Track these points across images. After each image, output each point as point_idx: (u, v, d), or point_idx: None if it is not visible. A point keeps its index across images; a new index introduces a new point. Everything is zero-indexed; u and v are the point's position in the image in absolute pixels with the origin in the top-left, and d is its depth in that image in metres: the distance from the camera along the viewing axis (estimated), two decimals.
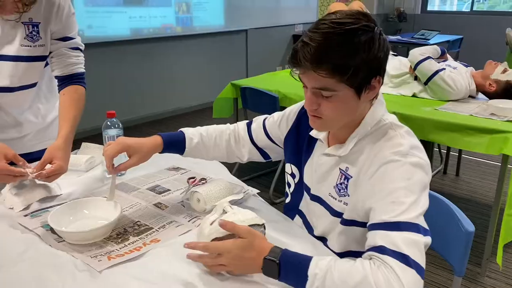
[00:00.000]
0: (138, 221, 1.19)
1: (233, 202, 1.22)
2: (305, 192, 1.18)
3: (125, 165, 1.20)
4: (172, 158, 1.59)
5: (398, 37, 5.78)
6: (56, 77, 1.47)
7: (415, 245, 0.84)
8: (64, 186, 1.38)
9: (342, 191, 1.04)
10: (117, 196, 1.32)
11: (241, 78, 3.41)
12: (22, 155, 1.43)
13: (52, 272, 0.97)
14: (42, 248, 1.06)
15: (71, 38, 1.44)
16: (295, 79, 0.99)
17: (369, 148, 0.99)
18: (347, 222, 1.04)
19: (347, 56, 0.90)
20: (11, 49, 1.34)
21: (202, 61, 5.36)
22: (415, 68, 2.58)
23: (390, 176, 0.92)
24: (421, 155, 0.95)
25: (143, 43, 4.67)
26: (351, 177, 1.02)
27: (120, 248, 1.06)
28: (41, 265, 0.99)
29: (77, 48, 1.47)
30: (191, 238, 1.11)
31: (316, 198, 1.13)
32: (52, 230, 1.11)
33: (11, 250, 1.05)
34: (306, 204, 1.19)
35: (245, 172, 3.39)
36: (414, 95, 2.66)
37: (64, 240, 1.08)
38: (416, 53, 2.57)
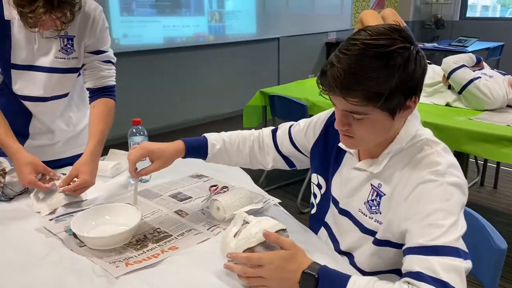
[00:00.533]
0: (158, 228, 1.20)
1: (253, 212, 1.22)
2: (332, 205, 1.14)
3: (147, 170, 1.21)
4: (196, 166, 1.62)
5: (435, 44, 5.63)
6: (87, 88, 1.51)
7: (454, 270, 0.80)
8: (89, 191, 1.41)
9: (373, 208, 1.00)
10: (139, 203, 1.33)
11: (272, 86, 3.41)
12: (52, 161, 1.49)
13: (71, 276, 0.99)
14: (64, 252, 1.09)
15: (104, 52, 1.48)
16: (324, 97, 0.94)
17: (404, 166, 0.94)
18: (380, 242, 0.99)
19: (380, 83, 0.85)
20: (46, 61, 1.39)
21: (233, 69, 5.40)
22: (448, 77, 2.50)
23: (427, 197, 0.88)
24: (459, 174, 0.90)
25: (176, 51, 4.75)
26: (384, 194, 0.97)
27: (139, 255, 1.07)
28: (62, 268, 1.02)
29: (109, 61, 1.51)
30: (208, 246, 1.11)
31: (344, 212, 1.09)
32: (74, 235, 1.13)
33: (35, 253, 1.08)
34: (333, 217, 1.14)
35: (272, 180, 3.38)
36: (447, 105, 2.58)
37: (85, 245, 1.10)
38: (450, 61, 2.49)
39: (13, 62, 1.36)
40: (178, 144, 1.24)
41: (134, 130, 1.47)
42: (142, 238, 1.15)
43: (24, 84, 1.41)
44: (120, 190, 1.44)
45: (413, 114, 0.97)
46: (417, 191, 0.89)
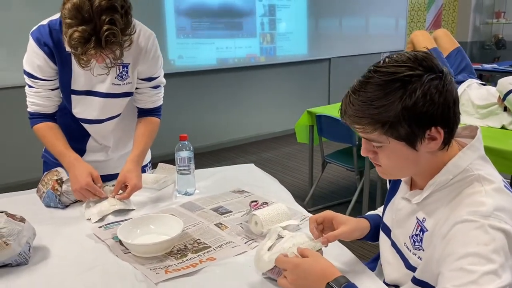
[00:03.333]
0: (198, 239, 1.25)
1: (290, 228, 1.24)
2: (382, 232, 1.11)
3: (334, 234, 1.07)
4: (237, 182, 1.66)
5: (494, 65, 5.40)
6: (137, 107, 1.63)
7: None
8: (136, 202, 1.49)
9: (416, 243, 0.94)
10: (183, 214, 1.40)
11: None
12: (106, 175, 1.60)
13: (115, 280, 1.05)
14: (110, 258, 1.15)
15: (154, 78, 1.58)
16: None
17: (450, 201, 0.88)
18: (418, 283, 0.93)
19: (382, 111, 0.84)
20: (103, 87, 1.50)
21: (284, 89, 5.47)
22: (504, 99, 2.40)
23: (463, 238, 0.80)
24: (509, 221, 0.80)
25: (228, 72, 4.90)
26: (427, 230, 0.91)
27: (178, 263, 1.12)
28: (107, 273, 1.08)
29: (158, 86, 1.62)
30: (245, 259, 1.14)
31: (393, 244, 1.04)
32: (120, 242, 1.20)
33: (84, 258, 1.16)
34: (383, 247, 1.09)
35: (319, 201, 3.36)
36: (503, 127, 2.47)
37: (129, 252, 1.17)
38: (506, 82, 2.39)
39: (73, 88, 1.48)
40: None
41: (180, 145, 1.54)
42: (183, 248, 1.20)
43: (83, 108, 1.53)
44: (166, 202, 1.51)
45: (471, 145, 0.91)
46: (453, 231, 0.82)
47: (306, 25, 5.42)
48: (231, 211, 1.42)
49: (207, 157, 4.58)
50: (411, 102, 0.82)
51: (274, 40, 5.18)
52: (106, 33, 1.20)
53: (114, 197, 1.43)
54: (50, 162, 1.64)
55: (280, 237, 1.06)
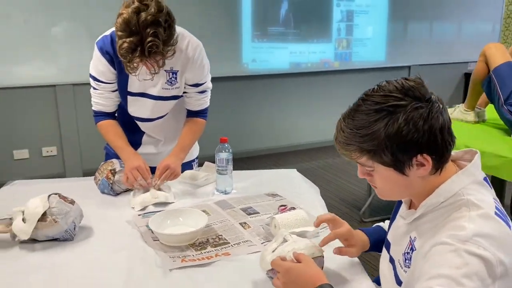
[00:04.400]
0: (220, 235, 1.35)
1: (309, 235, 1.30)
2: (384, 249, 1.13)
3: (329, 237, 1.13)
4: (274, 185, 1.74)
5: None
6: (186, 108, 1.80)
7: None
8: (178, 195, 1.64)
9: (407, 261, 0.97)
10: (214, 211, 1.51)
11: None
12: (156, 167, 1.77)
13: (137, 264, 1.19)
14: (139, 243, 1.30)
15: (201, 84, 1.73)
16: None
17: (437, 223, 0.89)
18: None
19: (367, 140, 0.87)
20: (154, 90, 1.68)
21: (357, 95, 5.38)
22: None
23: (438, 259, 0.81)
24: (489, 247, 0.79)
25: (300, 76, 4.96)
26: (415, 249, 0.94)
27: (196, 254, 1.23)
28: (132, 256, 1.23)
29: (205, 91, 1.76)
30: (257, 258, 1.21)
31: (391, 259, 1.07)
32: (151, 230, 1.34)
33: (118, 240, 1.32)
34: (382, 260, 1.13)
35: (376, 212, 3.30)
36: None
37: (158, 240, 1.30)
38: None
39: (129, 91, 1.68)
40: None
41: (220, 147, 1.66)
42: (205, 241, 1.31)
43: (137, 108, 1.73)
44: (203, 198, 1.64)
45: (465, 170, 0.92)
46: (431, 252, 0.84)
47: (386, 31, 5.30)
48: (258, 212, 1.51)
49: (274, 159, 4.70)
50: (394, 130, 0.85)
51: (350, 46, 5.14)
52: (149, 44, 1.35)
53: (155, 188, 1.60)
54: (111, 154, 1.85)
55: (285, 240, 1.12)
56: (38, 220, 1.25)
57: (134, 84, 1.65)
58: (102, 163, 1.73)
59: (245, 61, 4.61)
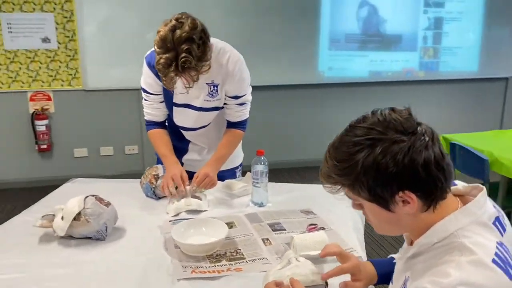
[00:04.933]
0: (239, 249, 1.36)
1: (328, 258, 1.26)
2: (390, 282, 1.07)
3: (334, 271, 1.09)
4: (310, 201, 1.70)
5: None
6: (226, 119, 1.85)
7: None
8: (213, 204, 1.68)
9: None
10: (241, 223, 1.53)
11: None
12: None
13: (153, 270, 1.24)
14: (160, 249, 1.36)
15: (240, 96, 1.77)
16: None
17: (430, 265, 0.82)
18: None
19: (345, 173, 0.83)
20: (197, 102, 1.75)
21: (444, 108, 5.04)
22: None
23: None
24: None
25: (380, 85, 4.77)
26: None
27: (209, 267, 1.25)
28: (150, 262, 1.29)
29: (244, 103, 1.80)
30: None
31: None
32: None
33: (143, 245, 1.39)
34: None
35: None
36: None
37: (179, 248, 1.35)
38: None
39: (174, 102, 1.77)
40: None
41: (256, 159, 1.67)
42: (222, 254, 1.33)
43: (181, 118, 1.82)
44: (236, 209, 1.67)
45: (465, 209, 0.84)
46: None
47: (480, 39, 4.88)
48: (284, 229, 1.49)
49: None
50: (370, 163, 0.80)
51: (438, 55, 4.82)
52: (182, 60, 1.41)
53: (191, 194, 1.67)
54: (160, 160, 1.96)
55: (289, 263, 1.10)
56: (74, 219, 1.37)
57: (178, 96, 1.73)
58: (148, 168, 1.83)
59: (321, 68, 4.56)
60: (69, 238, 1.41)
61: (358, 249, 1.37)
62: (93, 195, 1.45)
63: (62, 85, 3.96)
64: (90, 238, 1.41)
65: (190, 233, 1.41)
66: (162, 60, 1.43)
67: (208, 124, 1.85)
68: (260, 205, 1.69)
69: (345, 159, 0.82)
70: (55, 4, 3.76)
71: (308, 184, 1.94)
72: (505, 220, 0.89)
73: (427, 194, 0.81)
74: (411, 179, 0.79)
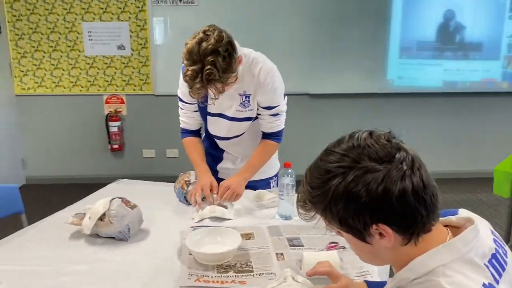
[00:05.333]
0: (250, 261, 1.35)
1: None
2: None
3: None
4: None
5: None
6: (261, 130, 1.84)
7: None
8: (239, 213, 1.69)
9: None
10: (260, 235, 1.51)
11: None
12: None
13: (162, 273, 1.28)
14: (174, 255, 1.39)
15: (274, 107, 1.75)
16: None
17: None
18: None
19: (316, 201, 0.79)
20: (229, 112, 1.77)
21: None
22: None
23: None
24: None
25: (456, 96, 4.45)
26: None
27: (214, 276, 1.26)
28: (161, 265, 1.33)
29: (277, 114, 1.78)
30: None
31: None
32: None
33: (161, 249, 1.44)
34: None
35: None
36: None
37: (191, 255, 1.37)
38: None
39: (208, 111, 1.80)
40: None
41: (283, 171, 1.64)
42: (232, 265, 1.33)
43: (215, 127, 1.85)
44: (260, 220, 1.65)
45: (449, 244, 0.76)
46: None
47: None
48: (302, 245, 1.45)
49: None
50: (341, 193, 0.74)
51: None
52: (207, 72, 1.43)
53: (215, 204, 1.68)
54: None
55: (284, 281, 1.07)
56: (99, 219, 1.45)
57: (212, 107, 1.76)
58: (182, 173, 1.88)
59: (390, 77, 4.37)
60: (96, 236, 1.50)
61: (374, 273, 1.29)
62: (120, 197, 1.52)
63: (134, 90, 4.22)
64: (114, 238, 1.49)
65: (205, 241, 1.43)
66: (189, 72, 1.47)
67: (242, 134, 1.85)
68: (287, 218, 1.66)
69: (318, 186, 0.78)
70: (130, 13, 4.03)
71: None
72: (507, 257, 0.79)
73: (404, 228, 0.74)
74: (385, 211, 0.73)
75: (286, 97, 1.81)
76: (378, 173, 0.72)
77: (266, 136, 1.83)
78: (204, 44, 1.45)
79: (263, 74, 1.68)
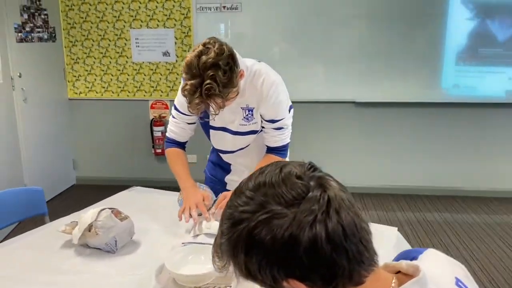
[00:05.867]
0: (230, 286, 1.25)
1: None
2: None
3: None
4: None
5: None
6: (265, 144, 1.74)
7: None
8: None
9: None
10: None
11: None
12: None
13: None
14: (152, 275, 1.33)
15: (277, 121, 1.65)
16: None
17: None
18: None
19: (224, 247, 0.68)
20: (233, 126, 1.69)
21: None
22: None
23: None
24: None
25: None
26: None
27: None
28: (145, 280, 1.28)
29: (281, 128, 1.67)
30: None
31: None
32: None
33: (148, 262, 1.39)
34: None
35: None
36: None
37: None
38: None
39: (211, 125, 1.73)
40: None
41: None
42: None
43: (218, 141, 1.78)
44: None
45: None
46: None
47: None
48: None
49: (445, 202, 3.97)
50: (244, 242, 0.64)
51: None
52: (206, 86, 1.35)
53: (212, 216, 1.62)
54: (208, 178, 1.96)
55: None
56: (88, 230, 1.43)
57: (215, 121, 1.70)
58: None
59: (445, 86, 4.04)
60: (86, 246, 1.48)
61: None
62: (111, 208, 1.50)
63: None
64: (100, 249, 1.46)
65: (188, 260, 1.36)
66: (187, 87, 1.39)
67: (246, 147, 1.77)
68: None
69: (227, 229, 0.67)
70: (175, 20, 4.09)
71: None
72: None
73: (322, 284, 0.62)
74: (293, 264, 0.61)
75: (292, 109, 1.69)
76: (285, 219, 0.61)
77: (270, 150, 1.73)
78: (203, 58, 1.37)
79: (266, 86, 1.58)
